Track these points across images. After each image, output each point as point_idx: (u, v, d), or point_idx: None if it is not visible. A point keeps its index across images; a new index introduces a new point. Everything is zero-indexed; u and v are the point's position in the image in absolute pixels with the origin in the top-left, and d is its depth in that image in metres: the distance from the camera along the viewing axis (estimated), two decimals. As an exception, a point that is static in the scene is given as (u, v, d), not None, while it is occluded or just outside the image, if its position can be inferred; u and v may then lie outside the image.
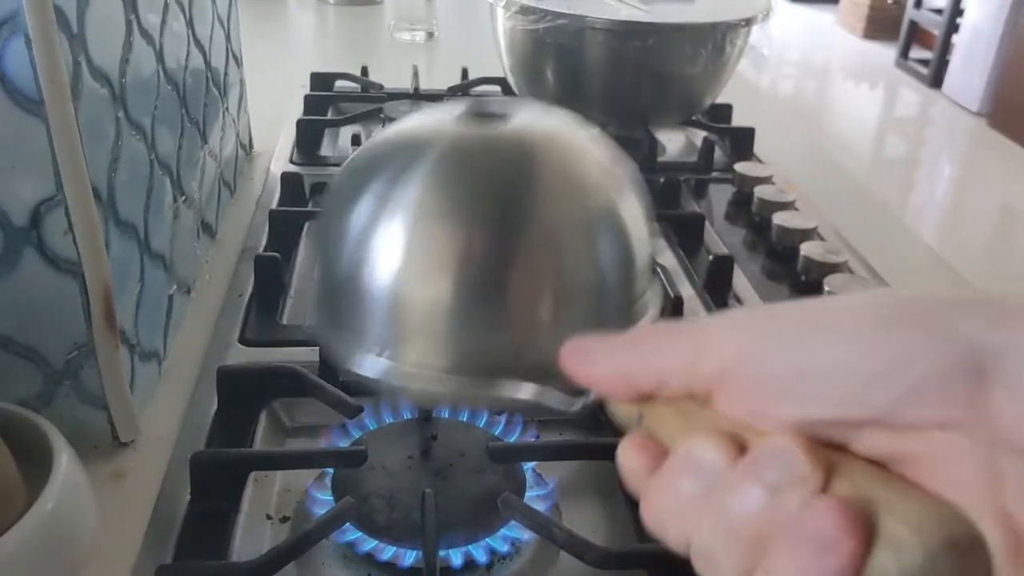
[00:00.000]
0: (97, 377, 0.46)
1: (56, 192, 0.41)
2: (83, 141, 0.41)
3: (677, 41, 0.81)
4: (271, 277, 0.63)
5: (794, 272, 0.69)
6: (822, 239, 0.73)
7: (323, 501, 0.45)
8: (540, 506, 0.45)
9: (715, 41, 0.81)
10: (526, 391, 0.30)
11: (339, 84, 1.01)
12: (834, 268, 0.67)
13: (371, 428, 0.50)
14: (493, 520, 0.44)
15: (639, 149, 0.86)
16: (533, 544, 0.45)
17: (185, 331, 0.59)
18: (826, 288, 0.64)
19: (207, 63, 0.68)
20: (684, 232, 0.75)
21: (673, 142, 0.97)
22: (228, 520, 0.44)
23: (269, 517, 0.46)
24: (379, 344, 0.31)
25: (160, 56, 0.55)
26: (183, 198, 0.60)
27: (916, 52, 3.87)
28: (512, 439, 0.50)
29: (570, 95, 0.85)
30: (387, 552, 0.43)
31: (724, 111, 0.97)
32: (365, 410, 0.50)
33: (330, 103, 0.97)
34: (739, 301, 0.66)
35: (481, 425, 0.50)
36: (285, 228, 0.71)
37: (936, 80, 3.61)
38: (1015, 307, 0.20)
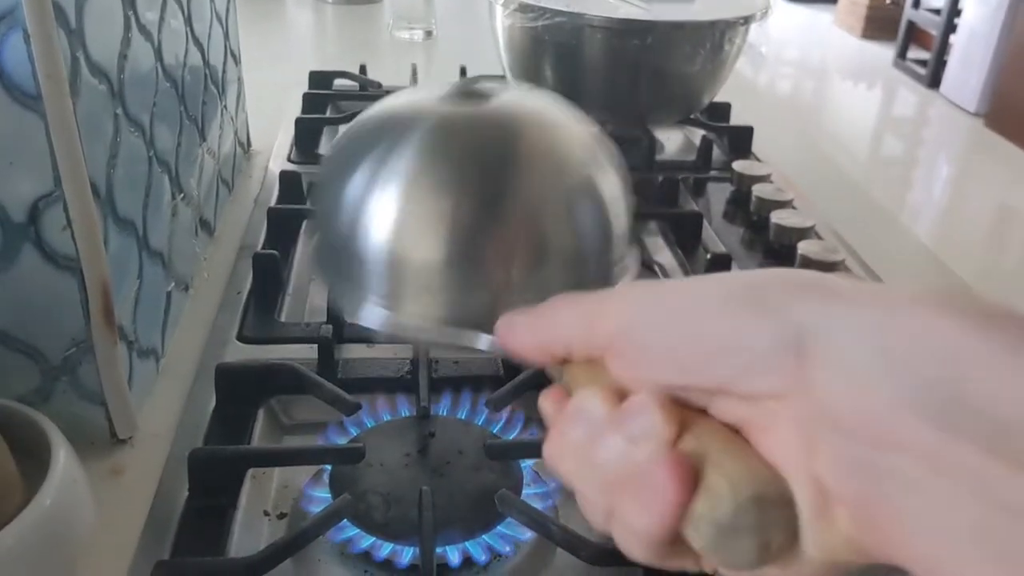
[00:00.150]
0: (95, 373, 0.46)
1: (54, 188, 0.41)
2: (82, 137, 0.41)
3: (676, 39, 0.81)
4: (269, 275, 0.63)
5: (792, 271, 0.69)
6: (819, 238, 0.73)
7: (320, 498, 0.45)
8: (539, 504, 0.45)
9: (714, 40, 0.81)
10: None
11: (338, 83, 1.01)
12: (831, 266, 0.67)
13: (369, 425, 0.50)
14: (490, 517, 0.44)
15: (637, 147, 0.86)
16: (530, 541, 0.45)
17: (183, 328, 0.59)
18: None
19: (205, 60, 0.68)
20: (682, 230, 0.75)
21: (671, 140, 0.97)
22: (226, 516, 0.44)
23: (267, 514, 0.46)
24: (378, 296, 0.34)
25: (158, 53, 0.55)
26: (182, 195, 0.60)
27: (914, 52, 3.87)
28: (510, 437, 0.50)
29: (569, 93, 0.82)
30: (384, 549, 0.43)
31: (722, 110, 0.97)
32: (363, 407, 0.50)
33: (329, 101, 0.97)
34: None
35: (479, 423, 0.50)
36: (283, 226, 0.71)
37: (934, 80, 3.61)
38: (844, 292, 0.23)
